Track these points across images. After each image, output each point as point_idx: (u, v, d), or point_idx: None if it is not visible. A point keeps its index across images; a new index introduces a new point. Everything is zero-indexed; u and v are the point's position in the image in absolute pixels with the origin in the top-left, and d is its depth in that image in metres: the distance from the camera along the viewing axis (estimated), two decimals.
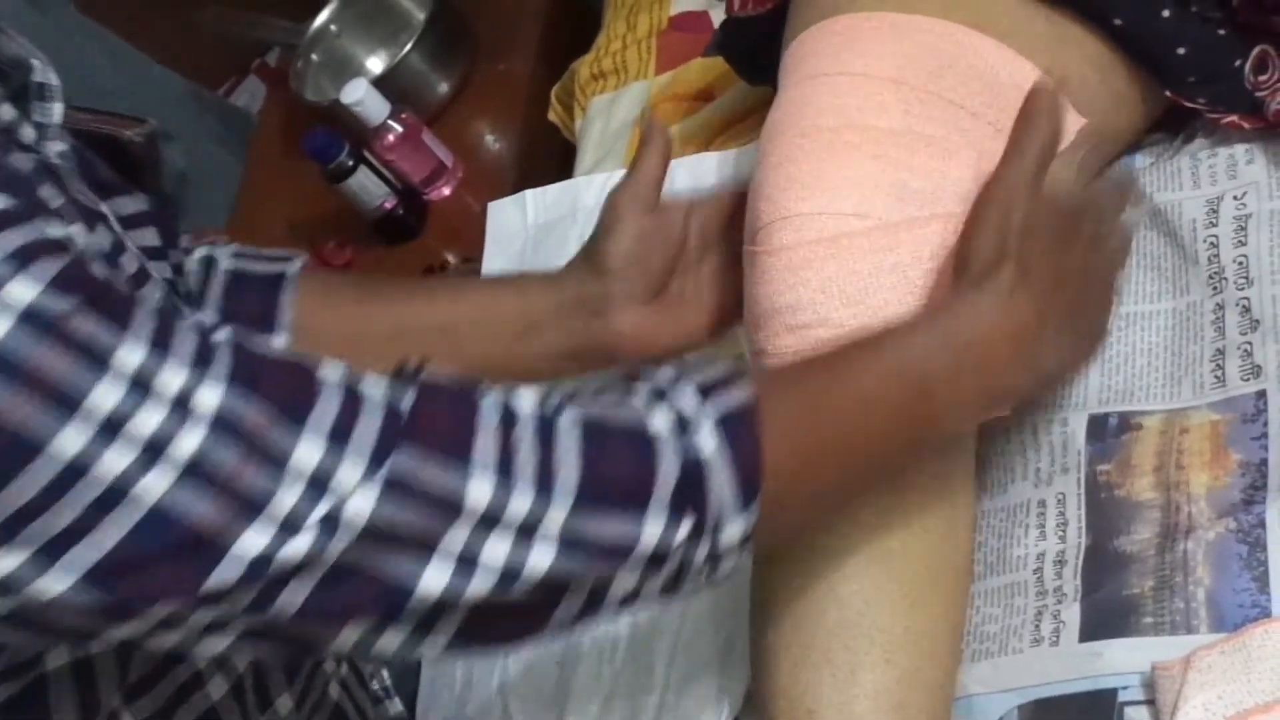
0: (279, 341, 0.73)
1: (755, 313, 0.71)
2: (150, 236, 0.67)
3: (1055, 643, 0.68)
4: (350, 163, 1.49)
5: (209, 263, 0.75)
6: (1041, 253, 0.62)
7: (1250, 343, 0.73)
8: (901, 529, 0.68)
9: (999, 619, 0.71)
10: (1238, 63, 0.78)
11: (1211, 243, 0.78)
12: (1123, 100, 0.80)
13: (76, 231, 0.50)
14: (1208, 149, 0.81)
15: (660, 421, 0.53)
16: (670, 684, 0.83)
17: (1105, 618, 0.67)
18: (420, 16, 1.68)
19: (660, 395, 0.55)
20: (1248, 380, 0.72)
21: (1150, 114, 0.83)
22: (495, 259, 1.11)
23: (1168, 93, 0.80)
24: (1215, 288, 0.76)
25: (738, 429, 0.53)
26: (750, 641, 0.72)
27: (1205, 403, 0.73)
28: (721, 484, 0.53)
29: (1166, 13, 0.77)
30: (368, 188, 1.51)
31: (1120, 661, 0.65)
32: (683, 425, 0.53)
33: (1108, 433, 0.74)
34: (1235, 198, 0.79)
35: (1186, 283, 0.78)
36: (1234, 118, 0.78)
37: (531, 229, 1.10)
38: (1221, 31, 0.78)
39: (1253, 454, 0.69)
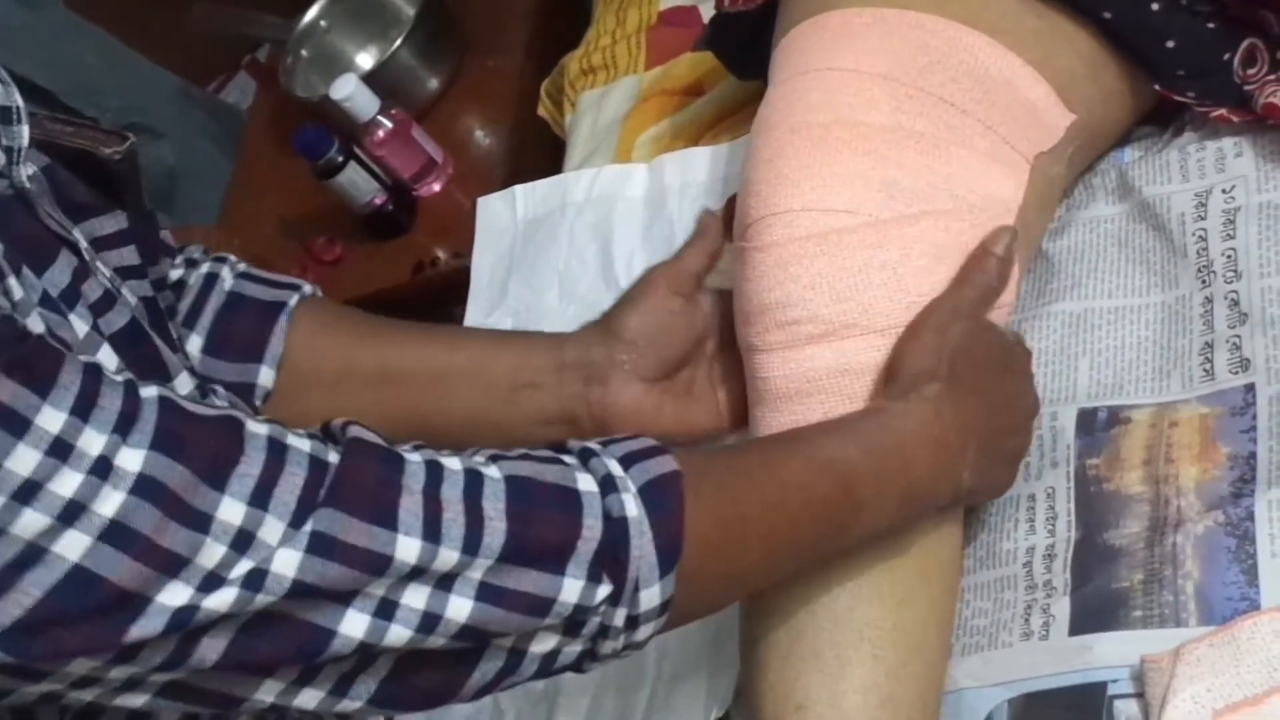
0: (264, 374, 0.73)
1: (745, 309, 0.70)
2: (129, 255, 0.66)
3: (1045, 636, 0.67)
4: (340, 159, 1.48)
5: (211, 280, 0.74)
6: (972, 376, 0.65)
7: (1239, 336, 0.73)
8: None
9: (989, 613, 0.71)
10: (1226, 56, 0.78)
11: (1200, 236, 0.78)
12: (1112, 94, 0.80)
13: (13, 285, 0.50)
14: (1196, 143, 0.81)
15: (587, 482, 0.54)
16: (660, 679, 0.82)
17: (1094, 611, 0.67)
18: (410, 12, 1.67)
19: (588, 457, 0.55)
20: (1236, 373, 0.72)
21: (1139, 108, 0.83)
22: (485, 254, 1.10)
23: (1157, 86, 0.79)
24: (1204, 281, 0.76)
25: (661, 496, 0.54)
26: (739, 637, 0.72)
27: (1194, 396, 0.72)
28: (642, 546, 0.53)
29: (1156, 6, 0.76)
30: (357, 184, 1.50)
31: (1110, 655, 0.65)
32: (609, 486, 0.54)
33: (1096, 426, 0.74)
34: (1224, 191, 0.79)
35: (1176, 276, 0.78)
36: (1223, 111, 0.78)
37: (521, 224, 1.09)
38: (1211, 25, 0.78)
39: (1241, 447, 0.69)
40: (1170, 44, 0.77)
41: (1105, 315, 0.79)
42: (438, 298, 1.47)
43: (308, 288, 0.76)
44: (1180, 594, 0.65)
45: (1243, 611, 0.63)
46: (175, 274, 0.74)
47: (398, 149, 1.51)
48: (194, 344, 0.73)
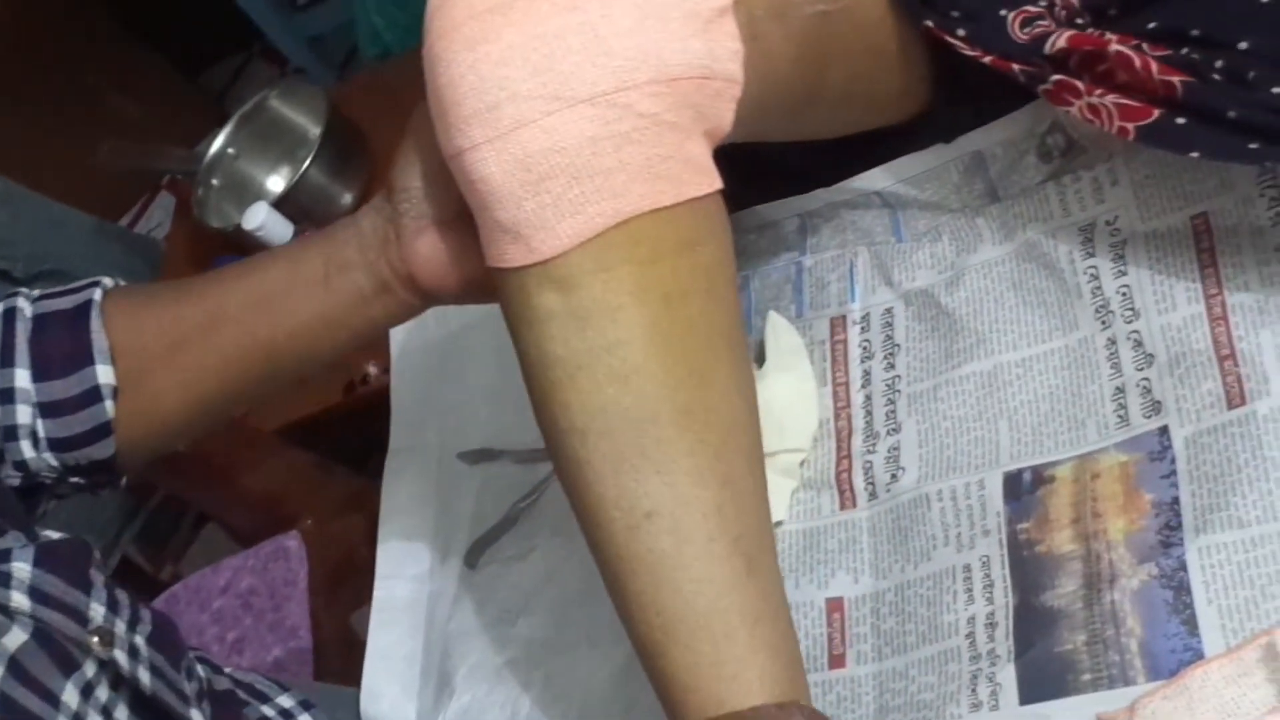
0: (102, 373, 0.71)
1: (440, 109, 0.62)
2: None
3: (995, 706, 0.66)
4: None
5: (11, 314, 0.73)
6: None
7: (1148, 378, 0.72)
8: (667, 307, 0.62)
9: (934, 687, 0.69)
10: (1002, 12, 0.75)
11: (1092, 274, 0.77)
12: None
13: None
14: (1070, 174, 0.80)
15: None
16: None
17: (1043, 677, 0.65)
18: (315, 131, 1.67)
19: None
20: (1149, 417, 0.71)
21: (920, 60, 0.79)
22: (403, 375, 1.09)
23: (929, 23, 0.76)
24: (1104, 322, 0.75)
25: None
26: (560, 469, 0.66)
27: (1111, 443, 0.71)
28: None
29: None
30: None
31: None
32: None
33: (1023, 489, 0.72)
34: (1107, 223, 0.78)
35: (1074, 317, 0.77)
36: (994, 56, 0.74)
37: (440, 340, 1.09)
38: None
39: (1164, 493, 0.68)
40: None
41: (1014, 370, 0.78)
42: (373, 414, 1.46)
43: (108, 280, 0.74)
44: (1125, 652, 0.64)
45: (1188, 662, 0.62)
46: None
47: None
48: (23, 378, 0.72)
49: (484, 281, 0.66)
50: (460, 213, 0.68)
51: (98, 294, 0.73)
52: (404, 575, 0.97)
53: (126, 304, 0.74)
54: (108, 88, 2.44)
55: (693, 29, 0.61)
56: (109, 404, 0.72)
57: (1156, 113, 0.68)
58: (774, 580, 0.65)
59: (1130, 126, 0.69)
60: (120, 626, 0.71)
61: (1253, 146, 0.65)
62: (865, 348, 0.86)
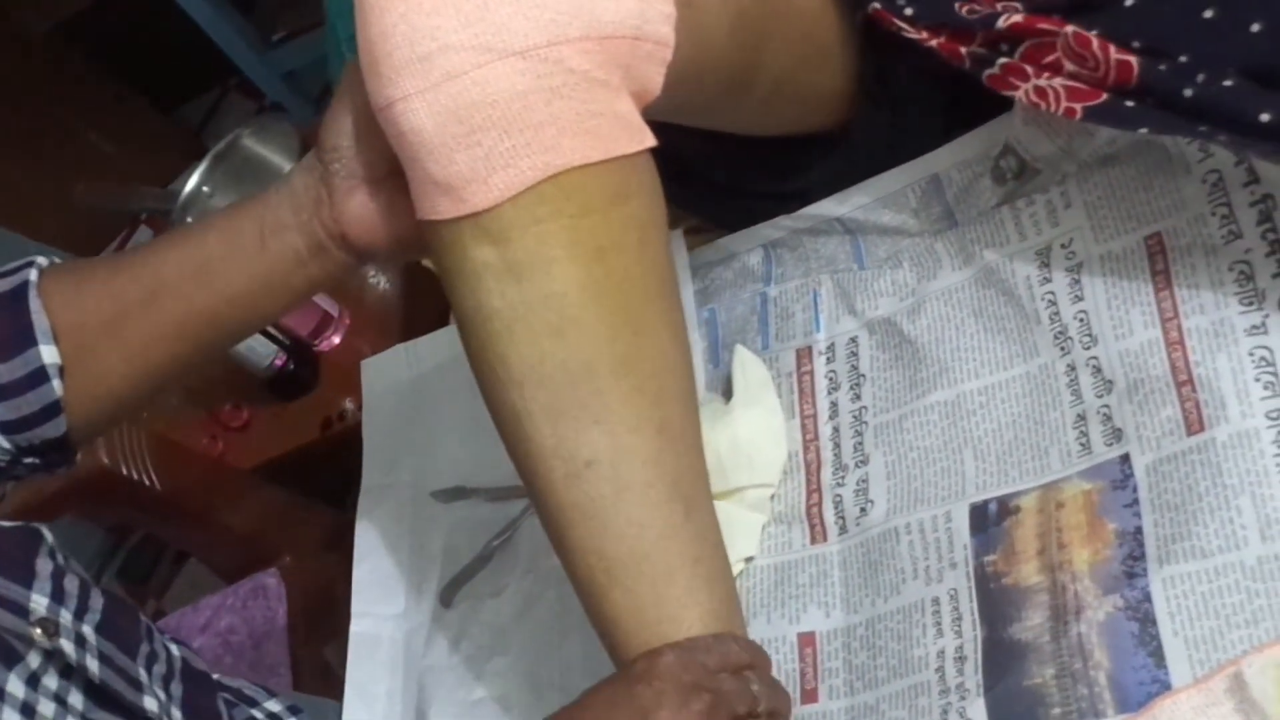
0: (46, 353, 0.71)
1: (369, 58, 0.61)
2: None
3: None
4: None
5: None
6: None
7: (1108, 405, 0.71)
8: (601, 259, 0.63)
9: None
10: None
11: (1050, 300, 0.76)
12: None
13: None
14: (1025, 198, 0.80)
15: None
16: None
17: (1013, 712, 0.64)
18: (288, 168, 1.68)
19: None
20: (1111, 445, 0.70)
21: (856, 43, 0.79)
22: (375, 414, 1.08)
23: (875, 5, 0.76)
24: (1063, 348, 0.75)
25: None
26: (498, 421, 0.66)
27: (1075, 471, 0.71)
28: None
29: None
30: (255, 349, 1.48)
31: None
32: None
33: (989, 521, 0.72)
34: (1063, 246, 0.77)
35: (1034, 343, 0.76)
36: (941, 39, 0.74)
37: (411, 380, 1.08)
38: None
39: (1127, 522, 0.67)
40: None
41: (977, 398, 0.77)
42: (349, 450, 1.45)
43: (42, 260, 0.74)
44: (1094, 685, 0.63)
45: (1157, 694, 0.61)
46: None
47: None
48: None
49: (416, 239, 0.66)
50: (391, 170, 0.68)
51: (33, 274, 0.73)
52: (379, 614, 0.97)
53: (64, 281, 0.73)
54: (85, 124, 2.43)
55: None
56: (56, 383, 0.71)
57: (1105, 95, 0.68)
58: (710, 521, 0.66)
59: (1078, 107, 0.69)
60: (66, 616, 0.71)
61: (1202, 128, 0.65)
62: (831, 378, 0.86)
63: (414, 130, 0.60)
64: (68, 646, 0.70)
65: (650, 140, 0.64)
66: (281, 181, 0.73)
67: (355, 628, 0.96)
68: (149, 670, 0.76)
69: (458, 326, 0.65)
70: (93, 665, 0.71)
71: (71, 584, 0.73)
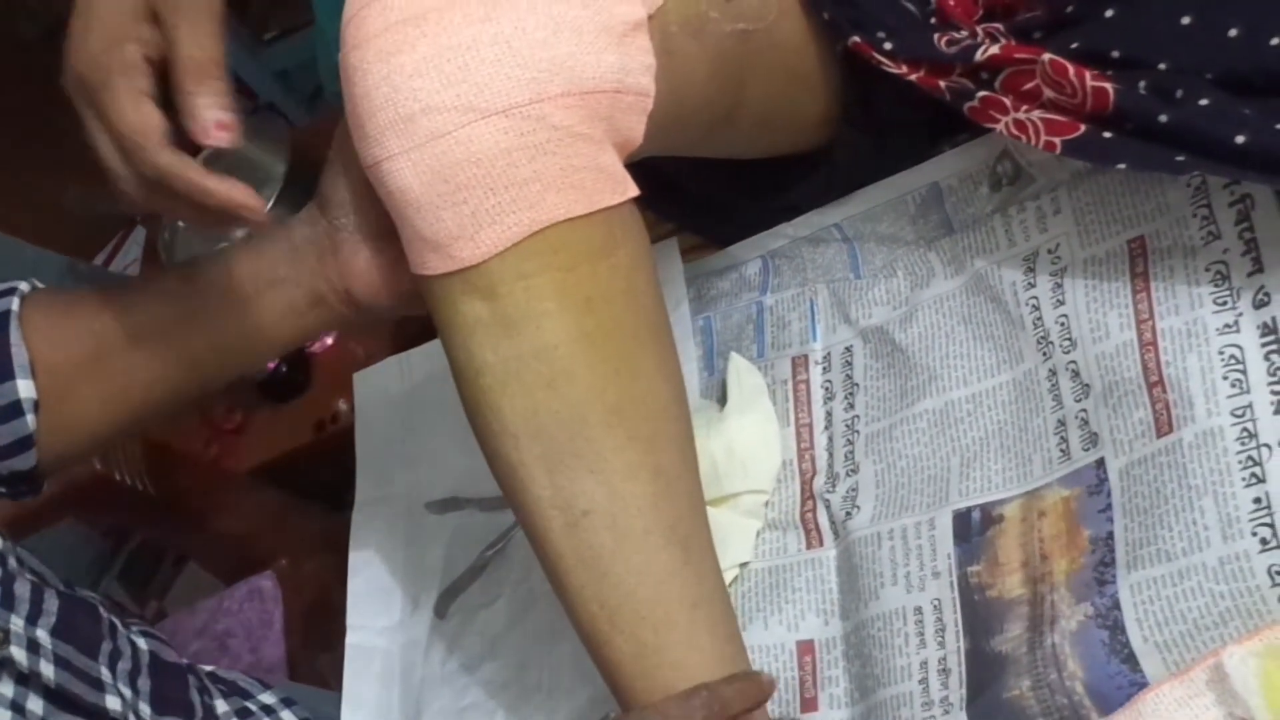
0: (23, 387, 0.71)
1: (356, 119, 0.62)
2: None
3: None
4: None
5: None
6: None
7: (1085, 410, 0.72)
8: (590, 310, 0.64)
9: None
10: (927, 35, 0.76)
11: (1034, 305, 0.77)
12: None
13: None
14: (1016, 204, 0.81)
15: None
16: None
17: None
18: (280, 169, 1.68)
19: None
20: (1088, 450, 0.70)
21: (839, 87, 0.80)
22: (368, 427, 1.08)
23: (856, 39, 0.77)
24: (1045, 353, 0.75)
25: None
26: (496, 471, 0.68)
27: (1055, 478, 0.71)
28: None
29: None
30: None
31: None
32: None
33: (972, 530, 0.72)
34: (1049, 251, 0.78)
35: (1020, 350, 0.77)
36: (920, 73, 0.75)
37: (404, 391, 1.08)
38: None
39: (1100, 528, 0.67)
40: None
41: (965, 406, 0.78)
42: (343, 452, 1.46)
43: (24, 285, 0.74)
44: (1073, 694, 0.64)
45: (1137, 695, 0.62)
46: None
47: None
48: None
49: (416, 294, 0.67)
50: (392, 226, 0.68)
51: (15, 303, 0.72)
52: (375, 627, 0.97)
53: (47, 313, 0.73)
54: (78, 127, 2.43)
55: (606, 42, 0.63)
56: (30, 418, 0.72)
57: (1083, 127, 0.69)
58: (710, 563, 0.67)
59: (1057, 141, 0.70)
60: (17, 623, 0.71)
61: (1179, 159, 0.66)
62: (827, 388, 0.86)
63: (400, 190, 0.62)
64: (19, 654, 0.70)
65: (633, 190, 0.65)
66: (280, 233, 0.74)
67: (351, 640, 0.97)
68: (113, 668, 0.77)
69: (454, 379, 0.67)
70: (47, 670, 0.71)
71: (23, 589, 0.74)
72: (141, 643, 0.82)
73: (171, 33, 0.61)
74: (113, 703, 0.74)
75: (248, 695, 0.89)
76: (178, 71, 0.61)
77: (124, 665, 0.78)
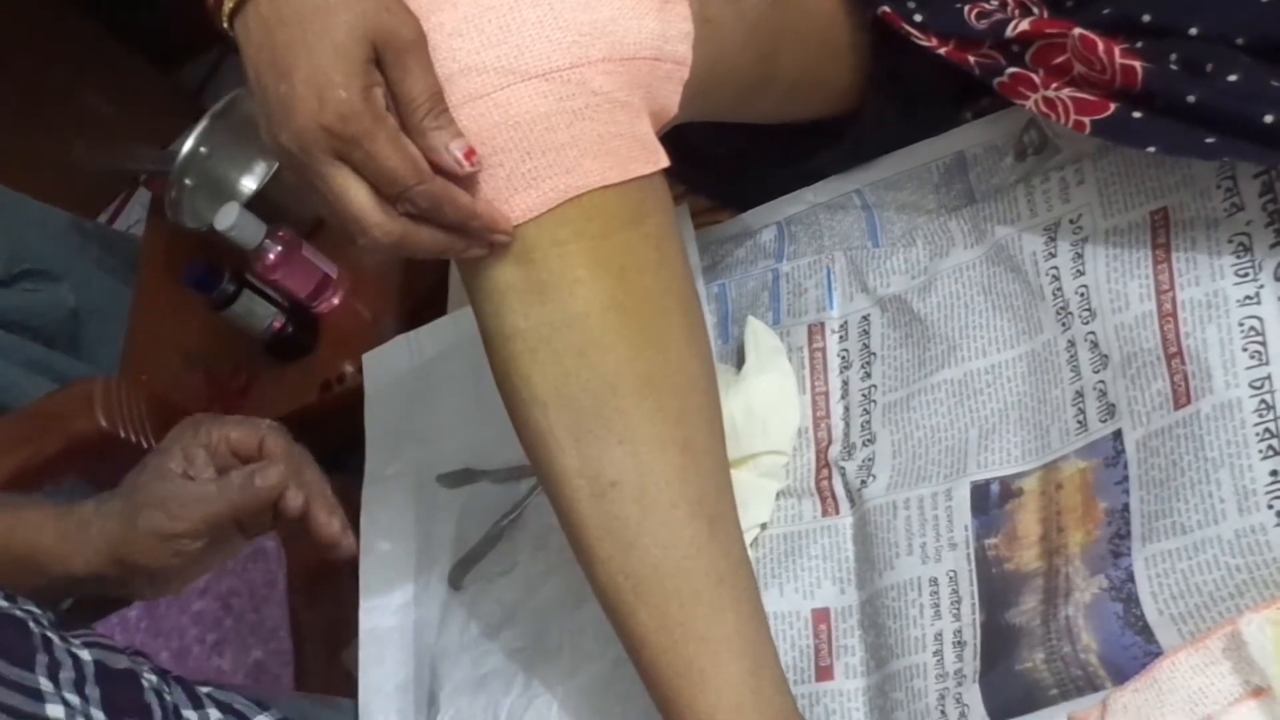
0: None
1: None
2: None
3: None
4: (232, 289, 1.46)
5: None
6: None
7: (1103, 381, 0.72)
8: (623, 279, 0.64)
9: (904, 704, 0.70)
10: (957, 4, 0.76)
11: (1054, 275, 0.77)
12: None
13: None
14: (1040, 174, 0.81)
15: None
16: None
17: (1010, 696, 0.65)
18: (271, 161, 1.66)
19: None
20: (1105, 421, 0.71)
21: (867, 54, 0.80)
22: (378, 402, 1.08)
23: (885, 9, 0.77)
24: (1064, 324, 0.75)
25: None
26: (523, 439, 0.68)
27: (1072, 450, 0.71)
28: None
29: None
30: (254, 311, 1.48)
31: None
32: None
33: (990, 503, 0.72)
34: (1071, 221, 0.78)
35: (1039, 320, 0.77)
36: (950, 46, 0.74)
37: (413, 369, 1.07)
38: None
39: (1116, 500, 0.67)
40: None
41: (984, 377, 0.78)
42: (349, 413, 1.45)
43: None
44: (1087, 667, 0.64)
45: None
46: None
47: (290, 271, 1.50)
48: None
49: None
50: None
51: None
52: (388, 605, 0.98)
53: None
54: (83, 84, 2.41)
55: (647, 7, 0.63)
56: None
57: (1113, 107, 0.69)
58: (735, 537, 0.68)
59: (1086, 120, 0.70)
60: None
61: (1209, 141, 0.66)
62: (844, 357, 0.86)
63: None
64: None
65: (665, 160, 0.66)
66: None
67: (364, 621, 0.97)
68: (53, 678, 0.77)
69: (484, 345, 0.67)
70: None
71: None
72: (85, 654, 0.82)
73: (400, 72, 0.60)
74: (55, 710, 0.75)
75: (244, 717, 0.88)
76: (413, 108, 0.60)
77: (66, 675, 0.78)
